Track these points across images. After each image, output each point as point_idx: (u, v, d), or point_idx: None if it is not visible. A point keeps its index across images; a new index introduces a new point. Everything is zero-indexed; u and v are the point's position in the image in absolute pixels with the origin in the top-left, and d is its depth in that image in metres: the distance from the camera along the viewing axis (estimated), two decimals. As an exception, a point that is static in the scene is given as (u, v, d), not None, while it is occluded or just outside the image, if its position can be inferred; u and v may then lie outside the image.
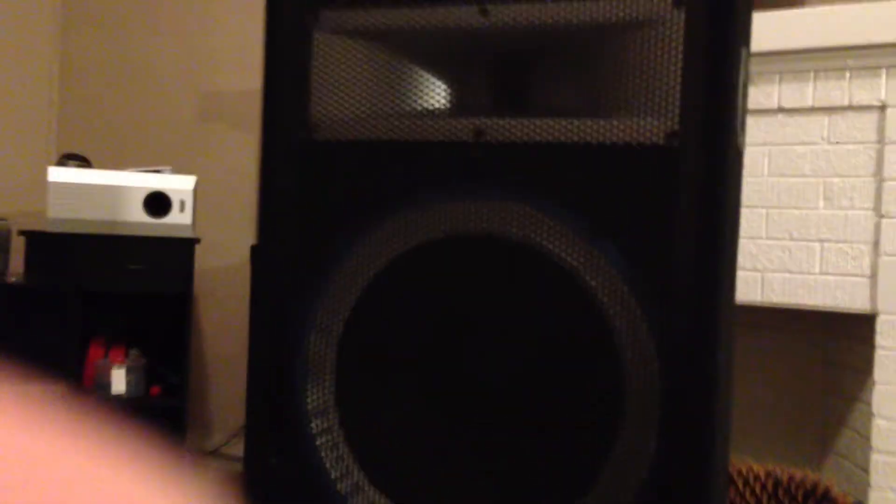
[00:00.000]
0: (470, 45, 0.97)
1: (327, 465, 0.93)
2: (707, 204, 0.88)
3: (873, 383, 1.90)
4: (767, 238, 2.05)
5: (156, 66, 3.49)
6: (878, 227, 1.91)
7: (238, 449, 3.26)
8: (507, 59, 0.98)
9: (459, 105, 1.00)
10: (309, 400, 0.97)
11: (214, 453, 3.30)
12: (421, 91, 0.99)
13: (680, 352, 0.87)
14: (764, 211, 2.06)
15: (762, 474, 1.86)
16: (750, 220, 2.06)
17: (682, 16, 0.88)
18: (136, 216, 2.59)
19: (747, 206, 2.07)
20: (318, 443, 0.95)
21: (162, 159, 3.18)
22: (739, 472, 1.88)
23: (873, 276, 1.91)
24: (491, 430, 0.91)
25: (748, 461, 1.94)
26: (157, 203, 2.61)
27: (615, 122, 0.91)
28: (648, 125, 0.89)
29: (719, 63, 0.87)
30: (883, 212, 1.90)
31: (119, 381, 2.69)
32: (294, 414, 0.97)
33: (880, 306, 1.89)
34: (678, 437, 0.87)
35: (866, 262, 1.92)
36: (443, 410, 0.94)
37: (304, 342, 0.98)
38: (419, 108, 1.00)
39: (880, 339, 1.89)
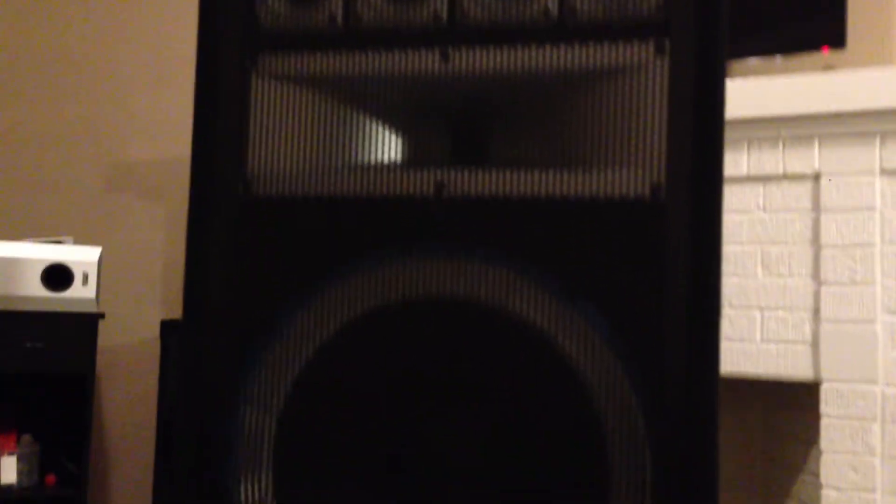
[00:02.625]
0: (428, 93, 0.88)
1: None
2: (696, 260, 0.80)
3: (820, 453, 1.85)
4: (706, 306, 2.00)
5: (59, 132, 3.30)
6: (817, 295, 1.89)
7: (142, 543, 2.99)
8: (470, 107, 0.89)
9: (416, 157, 0.90)
10: (242, 491, 0.83)
11: (116, 549, 3.01)
12: (372, 142, 0.89)
13: (672, 425, 0.78)
14: (701, 279, 2.02)
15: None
16: (687, 289, 2.02)
17: (666, 63, 0.81)
18: (34, 290, 2.38)
19: (684, 274, 2.02)
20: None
21: (63, 229, 2.97)
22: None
23: (815, 344, 1.88)
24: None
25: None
26: (58, 276, 2.41)
27: (593, 175, 0.82)
28: (631, 177, 0.81)
29: (707, 110, 0.80)
30: (821, 279, 1.88)
31: (9, 470, 2.44)
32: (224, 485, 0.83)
33: (823, 374, 1.85)
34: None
35: (807, 329, 1.89)
36: (402, 496, 0.82)
37: (238, 421, 0.85)
38: (371, 161, 0.90)
39: (825, 408, 1.85)
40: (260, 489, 0.83)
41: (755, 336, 1.95)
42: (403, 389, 0.83)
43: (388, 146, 0.89)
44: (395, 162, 0.89)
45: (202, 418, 0.86)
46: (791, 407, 2.10)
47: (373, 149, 0.89)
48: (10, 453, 2.48)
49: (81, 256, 2.43)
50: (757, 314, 1.95)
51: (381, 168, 0.88)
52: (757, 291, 1.95)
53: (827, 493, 1.84)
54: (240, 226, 0.89)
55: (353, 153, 0.89)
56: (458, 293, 0.82)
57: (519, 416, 0.81)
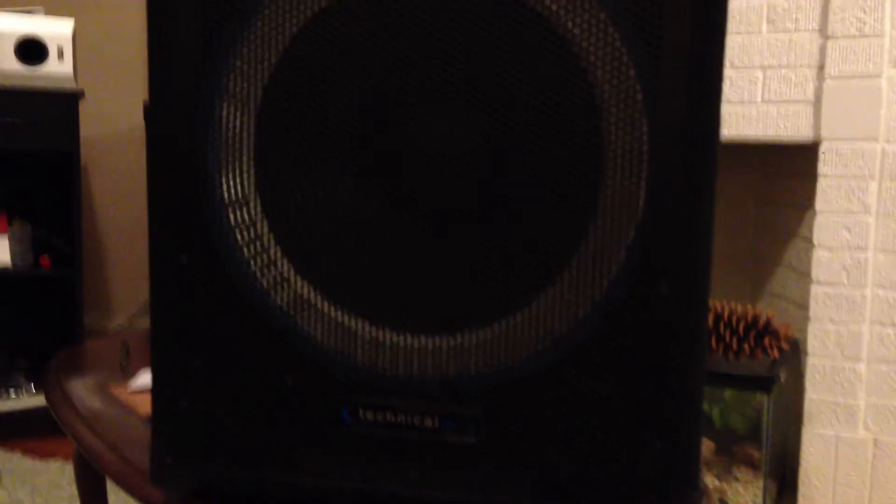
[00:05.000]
0: None
1: (247, 258, 0.76)
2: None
3: (814, 214, 1.83)
4: (707, 68, 1.93)
5: None
6: (823, 50, 1.81)
7: (143, 326, 3.05)
8: None
9: None
10: (224, 186, 0.79)
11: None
12: None
13: (671, 94, 0.73)
14: (703, 40, 1.93)
15: (703, 310, 1.79)
16: (688, 51, 1.93)
17: None
18: (7, 64, 2.28)
19: (685, 36, 1.94)
20: (236, 236, 0.78)
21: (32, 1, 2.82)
22: (681, 309, 1.80)
23: (817, 102, 1.82)
24: (443, 206, 0.75)
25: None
26: (32, 49, 2.30)
27: None
28: None
29: None
30: (829, 32, 1.79)
31: (2, 250, 2.44)
32: (206, 205, 0.80)
33: (824, 133, 1.81)
34: (669, 200, 0.74)
35: (810, 87, 1.83)
36: (386, 188, 0.77)
37: (215, 117, 0.80)
38: None
39: (822, 168, 1.81)
40: (242, 185, 0.79)
41: (756, 97, 1.88)
42: (390, 72, 0.77)
43: None
44: None
45: (177, 117, 0.81)
46: (787, 174, 2.07)
47: None
48: (2, 235, 2.47)
49: (54, 28, 2.31)
50: (759, 74, 1.88)
51: None
52: (761, 49, 1.87)
53: (819, 254, 1.84)
54: None
55: None
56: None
57: (510, 91, 0.75)
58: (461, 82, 0.74)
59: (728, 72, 1.91)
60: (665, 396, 0.71)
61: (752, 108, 1.88)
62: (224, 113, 0.78)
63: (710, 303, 1.87)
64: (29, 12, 2.36)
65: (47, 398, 1.15)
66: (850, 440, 1.82)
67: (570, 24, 0.73)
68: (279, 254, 0.76)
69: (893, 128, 1.76)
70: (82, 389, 1.14)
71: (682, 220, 0.72)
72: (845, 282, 1.81)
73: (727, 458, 2.03)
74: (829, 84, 1.80)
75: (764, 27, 1.86)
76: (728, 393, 2.03)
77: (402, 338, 0.74)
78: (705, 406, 2.15)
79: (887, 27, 1.74)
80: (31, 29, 2.30)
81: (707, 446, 2.10)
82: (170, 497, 0.80)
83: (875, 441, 1.81)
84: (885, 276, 1.78)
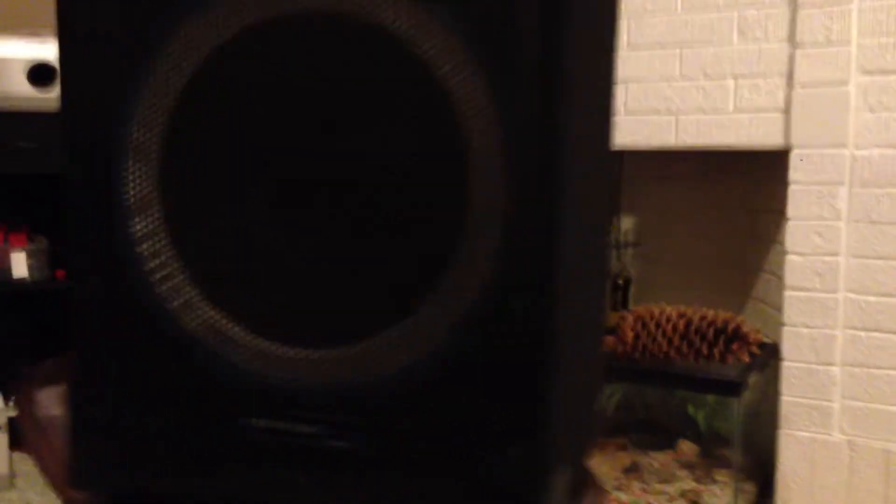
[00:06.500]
0: None
1: (156, 283, 0.83)
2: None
3: (787, 220, 1.85)
4: (682, 79, 1.96)
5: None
6: (792, 59, 1.83)
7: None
8: None
9: None
10: (131, 193, 0.86)
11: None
12: None
13: (526, 127, 0.77)
14: (678, 50, 1.97)
15: (674, 315, 1.82)
16: (664, 61, 1.97)
17: None
18: (19, 89, 2.40)
19: (660, 47, 1.97)
20: (140, 248, 0.84)
21: (41, 23, 2.94)
22: (651, 315, 1.84)
23: (787, 110, 1.84)
24: (324, 225, 0.82)
25: (662, 305, 1.91)
26: (43, 73, 2.42)
27: None
28: None
29: None
30: (797, 41, 1.82)
31: (20, 264, 2.56)
32: (118, 240, 0.87)
33: (794, 140, 1.83)
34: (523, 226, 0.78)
35: (780, 95, 1.85)
36: (280, 214, 0.84)
37: (124, 138, 0.86)
38: None
39: (793, 174, 1.83)
40: (152, 222, 0.85)
41: (728, 106, 1.91)
42: (275, 109, 0.84)
43: None
44: None
45: (88, 158, 0.88)
46: (767, 181, 2.09)
47: None
48: (20, 249, 2.59)
49: (64, 54, 2.42)
50: (731, 83, 1.90)
51: None
52: (731, 59, 1.90)
53: (791, 259, 1.86)
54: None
55: None
56: (315, 7, 0.80)
57: (373, 113, 0.81)
58: (334, 110, 0.80)
59: (701, 81, 1.94)
60: (527, 403, 0.76)
61: (724, 117, 1.91)
62: (133, 135, 0.85)
63: (682, 309, 1.90)
64: (39, 37, 2.48)
65: (17, 405, 1.23)
66: (826, 442, 1.84)
67: (439, 63, 0.78)
68: (185, 281, 0.83)
69: (862, 134, 1.77)
70: (48, 397, 1.23)
71: (539, 229, 0.76)
72: (818, 286, 1.82)
73: (711, 461, 2.06)
74: (798, 92, 1.82)
75: (735, 38, 1.89)
76: (711, 398, 2.05)
77: (288, 349, 0.81)
78: (691, 410, 2.17)
79: (854, 34, 1.75)
80: (41, 53, 2.42)
81: (692, 449, 2.12)
82: (91, 501, 0.87)
83: (850, 443, 1.82)
84: (857, 280, 1.80)
